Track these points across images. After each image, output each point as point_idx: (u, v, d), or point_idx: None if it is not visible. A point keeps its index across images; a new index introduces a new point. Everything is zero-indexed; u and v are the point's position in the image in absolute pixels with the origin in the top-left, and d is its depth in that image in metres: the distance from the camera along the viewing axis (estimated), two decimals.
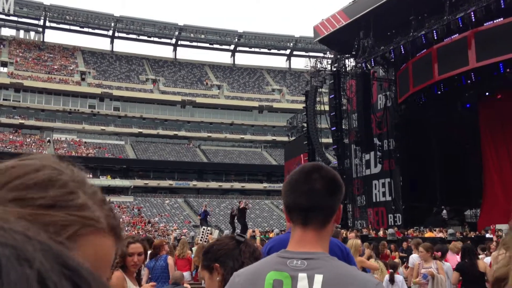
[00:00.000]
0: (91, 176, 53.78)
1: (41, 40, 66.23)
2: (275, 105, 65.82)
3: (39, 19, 65.00)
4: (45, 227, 0.57)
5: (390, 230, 19.06)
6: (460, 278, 6.97)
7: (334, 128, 27.94)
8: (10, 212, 0.55)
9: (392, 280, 7.52)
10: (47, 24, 65.64)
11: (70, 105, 58.24)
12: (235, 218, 22.41)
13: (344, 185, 1.59)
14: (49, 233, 0.54)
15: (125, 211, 48.42)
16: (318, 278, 1.45)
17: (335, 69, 28.61)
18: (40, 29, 66.45)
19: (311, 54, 63.01)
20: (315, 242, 1.54)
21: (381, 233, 20.24)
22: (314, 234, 1.55)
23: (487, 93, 23.09)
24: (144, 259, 4.19)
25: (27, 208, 0.59)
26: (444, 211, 23.30)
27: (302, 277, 1.46)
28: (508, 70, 19.12)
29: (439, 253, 7.60)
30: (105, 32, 68.80)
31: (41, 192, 0.62)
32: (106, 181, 53.83)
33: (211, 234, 19.73)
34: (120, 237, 0.70)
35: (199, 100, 63.46)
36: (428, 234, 18.80)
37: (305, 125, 31.02)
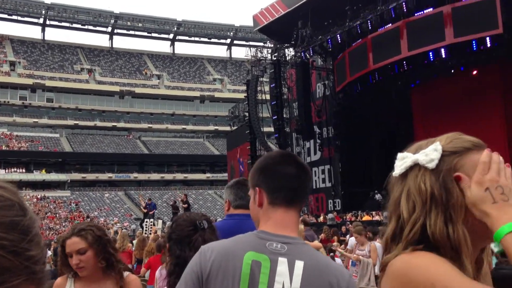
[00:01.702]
0: (24, 170, 51.29)
1: None
2: (217, 94, 65.50)
3: None
4: None
5: (330, 215, 19.61)
6: None
7: (275, 117, 28.19)
8: None
9: None
10: None
11: None
12: (178, 210, 22.36)
13: None
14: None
15: (62, 206, 46.62)
16: (299, 264, 1.46)
17: (275, 58, 28.79)
18: None
19: (251, 43, 63.00)
20: (294, 226, 1.56)
21: (321, 218, 20.80)
22: (295, 216, 1.57)
23: (419, 82, 24.13)
24: (104, 254, 2.56)
25: None
26: (378, 195, 24.21)
27: (282, 261, 1.46)
28: (437, 58, 20.06)
29: (370, 234, 7.98)
30: (35, 20, 65.29)
31: (5, 233, 0.64)
32: (40, 175, 51.50)
33: (154, 225, 19.45)
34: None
35: (138, 90, 61.93)
36: (365, 218, 19.53)
37: (247, 114, 31.08)
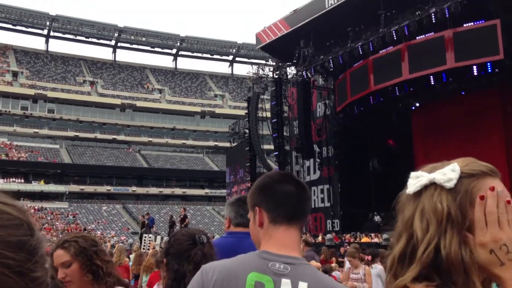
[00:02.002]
0: (22, 181, 51.15)
1: None
2: (218, 110, 65.69)
3: None
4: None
5: (328, 236, 19.51)
6: None
7: (275, 134, 28.23)
8: None
9: None
10: None
11: (1, 106, 55.16)
12: (175, 225, 22.25)
13: None
14: None
15: (59, 217, 46.39)
16: (303, 286, 1.44)
17: (276, 76, 28.97)
18: None
19: (253, 61, 63.53)
20: (296, 245, 1.55)
21: (319, 238, 20.69)
22: (297, 235, 1.57)
23: (418, 104, 24.24)
24: (90, 266, 2.35)
25: None
26: (378, 217, 24.12)
27: (286, 282, 1.44)
28: (438, 82, 20.18)
29: (369, 257, 7.89)
30: (39, 31, 65.85)
31: (12, 252, 0.64)
32: (39, 186, 51.34)
33: (153, 241, 19.34)
34: None
35: (139, 104, 62.12)
36: (364, 239, 19.42)
37: (247, 131, 31.15)
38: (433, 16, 18.14)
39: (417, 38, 19.68)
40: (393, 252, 1.09)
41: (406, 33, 19.21)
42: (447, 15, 17.60)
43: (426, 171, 1.11)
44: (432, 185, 1.07)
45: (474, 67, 18.10)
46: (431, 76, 19.52)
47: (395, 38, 19.82)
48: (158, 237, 21.34)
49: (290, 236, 1.55)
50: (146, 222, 22.73)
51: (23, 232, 0.68)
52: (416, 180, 1.10)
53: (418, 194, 1.09)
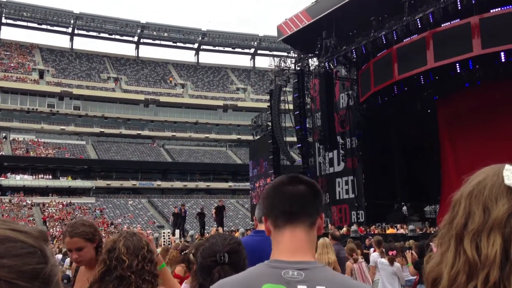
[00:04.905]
0: (51, 177, 52.34)
1: None
2: (240, 104, 65.78)
3: None
4: None
5: (353, 227, 19.39)
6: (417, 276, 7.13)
7: (298, 127, 28.15)
8: None
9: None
10: (3, 21, 63.27)
11: (28, 104, 56.39)
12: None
13: (322, 193, 1.58)
14: None
15: (87, 212, 47.33)
16: None
17: (298, 68, 28.82)
18: None
19: (275, 53, 63.14)
20: (306, 248, 1.48)
21: (344, 230, 20.58)
22: (304, 237, 1.48)
23: (445, 92, 23.79)
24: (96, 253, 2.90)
25: None
26: (404, 208, 23.84)
27: None
28: (464, 70, 19.76)
29: (394, 252, 7.73)
30: (64, 29, 66.99)
31: (26, 282, 0.63)
32: (66, 182, 52.45)
33: (173, 235, 19.56)
34: None
35: (162, 99, 62.70)
36: (389, 231, 19.23)
37: (269, 124, 31.12)
38: (458, 3, 17.73)
39: (442, 25, 19.30)
40: (473, 255, 0.91)
41: (431, 20, 18.85)
42: (473, 1, 17.18)
43: None
44: None
45: (502, 53, 17.65)
46: (457, 64, 19.14)
47: (419, 26, 19.48)
48: (177, 231, 21.54)
49: (298, 239, 1.47)
50: (182, 213, 23.23)
51: (37, 260, 0.66)
52: None
53: None
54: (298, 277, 1.39)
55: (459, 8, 17.87)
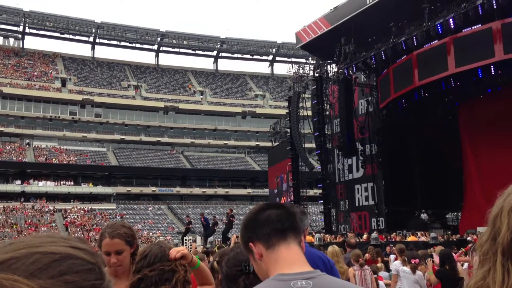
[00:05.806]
0: (72, 183, 53.16)
1: (21, 46, 65.31)
2: (258, 110, 65.92)
3: (18, 26, 64.09)
4: None
5: (373, 235, 19.22)
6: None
7: (317, 133, 28.11)
8: None
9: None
10: (27, 30, 64.80)
11: (51, 112, 57.46)
12: (217, 225, 22.89)
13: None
14: None
15: (108, 218, 47.85)
16: None
17: (317, 75, 28.83)
18: (20, 36, 65.55)
19: (293, 60, 63.29)
20: (303, 260, 1.54)
21: (364, 237, 20.41)
22: (298, 250, 1.56)
23: (466, 98, 23.49)
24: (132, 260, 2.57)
25: None
26: (425, 215, 23.53)
27: None
28: (486, 75, 19.49)
29: (417, 261, 7.65)
30: (86, 39, 68.17)
31: None
32: (88, 188, 53.20)
33: (194, 241, 19.66)
34: None
35: (182, 106, 63.23)
36: (410, 238, 18.99)
37: (288, 130, 31.14)
38: (479, 8, 17.56)
39: (463, 31, 19.10)
40: None
41: (452, 26, 18.69)
42: (495, 6, 16.99)
43: None
44: None
45: None
46: (479, 70, 18.89)
47: (440, 32, 19.33)
48: (198, 238, 21.67)
49: (294, 253, 1.53)
50: (204, 223, 23.39)
51: (95, 277, 0.70)
52: None
53: None
54: (307, 286, 1.43)
55: (480, 13, 17.68)
